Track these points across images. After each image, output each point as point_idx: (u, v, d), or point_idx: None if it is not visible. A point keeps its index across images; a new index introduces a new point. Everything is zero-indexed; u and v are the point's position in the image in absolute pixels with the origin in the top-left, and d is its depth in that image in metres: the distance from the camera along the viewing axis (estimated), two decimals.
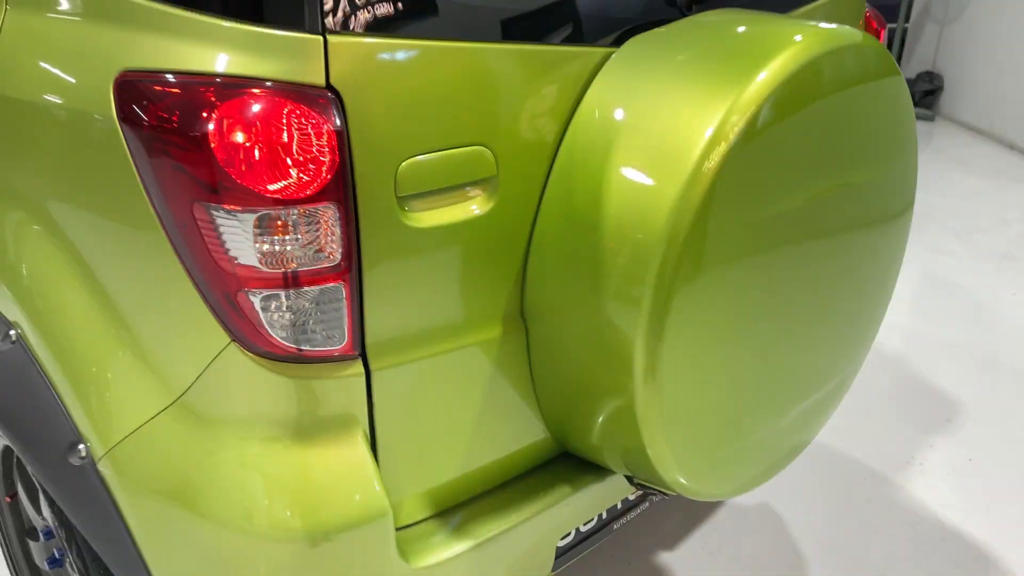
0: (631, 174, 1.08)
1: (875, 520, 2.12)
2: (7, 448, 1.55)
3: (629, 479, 1.37)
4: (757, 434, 1.35)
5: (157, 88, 0.98)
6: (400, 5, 1.00)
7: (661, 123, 1.08)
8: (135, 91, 1.00)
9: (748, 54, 1.11)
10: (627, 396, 1.14)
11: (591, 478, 1.38)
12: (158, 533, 1.13)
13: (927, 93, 5.50)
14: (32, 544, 1.63)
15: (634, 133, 1.10)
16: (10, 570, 1.71)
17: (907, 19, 5.60)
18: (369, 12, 0.98)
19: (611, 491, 1.44)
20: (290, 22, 0.95)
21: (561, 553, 1.46)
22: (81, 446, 1.15)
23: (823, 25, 1.20)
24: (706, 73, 1.09)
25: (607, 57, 1.17)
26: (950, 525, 2.10)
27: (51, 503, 1.39)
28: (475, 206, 1.11)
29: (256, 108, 0.93)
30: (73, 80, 1.09)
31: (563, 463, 1.41)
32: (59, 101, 1.11)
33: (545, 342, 1.22)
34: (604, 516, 1.52)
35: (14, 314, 1.25)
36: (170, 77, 0.98)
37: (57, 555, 1.49)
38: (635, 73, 1.14)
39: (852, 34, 1.20)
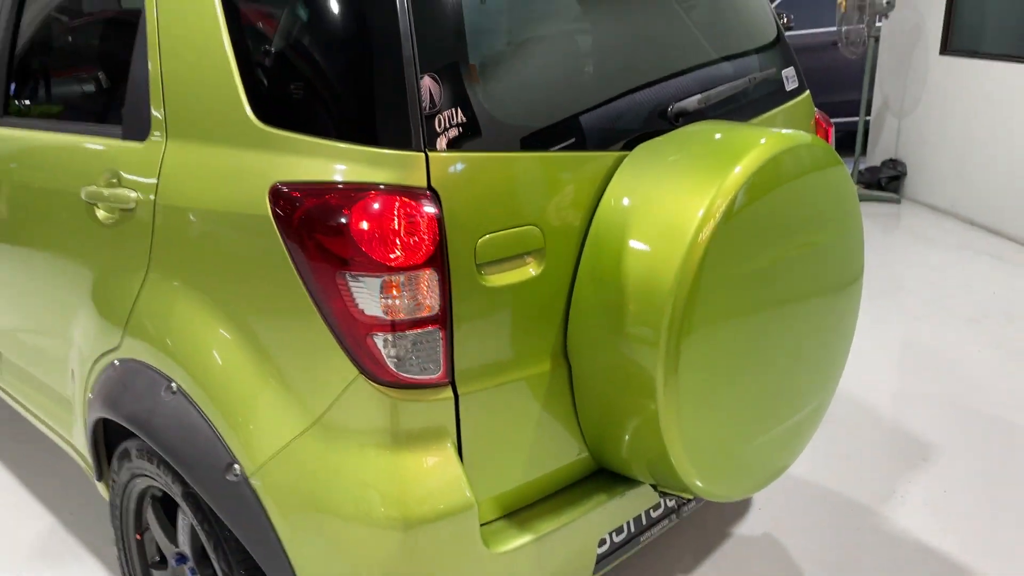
0: (644, 245, 1.48)
1: (863, 542, 2.44)
2: (142, 492, 1.89)
3: (654, 487, 1.72)
4: (754, 446, 1.70)
5: (304, 194, 1.38)
6: (471, 131, 1.41)
7: (665, 207, 1.48)
8: (286, 197, 1.40)
9: (725, 154, 1.52)
10: (651, 416, 1.51)
11: (622, 488, 1.72)
12: (298, 530, 1.47)
13: (892, 179, 6.01)
14: (156, 574, 1.94)
15: (645, 215, 1.50)
16: None
17: (868, 112, 6.15)
18: (453, 136, 1.38)
19: (639, 500, 1.78)
20: (400, 145, 1.35)
21: (599, 559, 1.79)
22: (236, 466, 1.50)
23: (781, 130, 1.62)
24: (696, 169, 1.50)
25: (621, 159, 1.58)
26: (929, 546, 2.42)
27: (191, 532, 1.73)
28: (531, 269, 1.50)
29: (379, 204, 1.33)
30: (233, 191, 1.49)
31: (599, 477, 1.75)
32: (221, 208, 1.51)
33: (583, 375, 1.59)
34: (632, 529, 1.85)
35: (172, 371, 1.62)
36: (314, 185, 1.38)
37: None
38: (643, 171, 1.55)
39: (803, 136, 1.62)
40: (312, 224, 1.36)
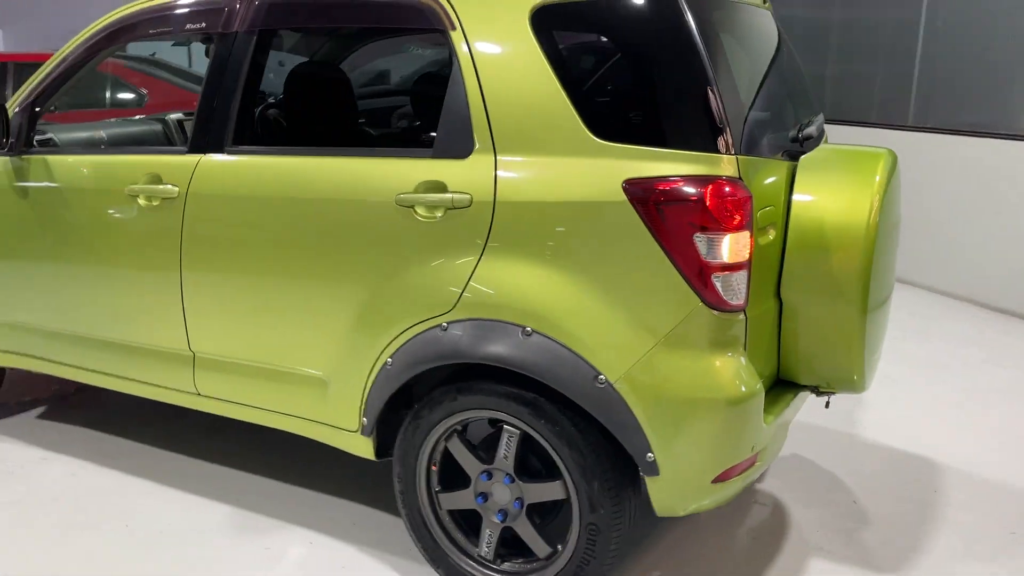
0: (838, 220, 2.30)
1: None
2: (446, 430, 2.41)
3: (815, 390, 2.53)
4: (877, 353, 2.57)
5: (659, 184, 2.09)
6: (747, 142, 2.18)
7: (850, 190, 2.32)
8: (643, 186, 2.10)
9: (873, 160, 2.40)
10: (849, 334, 2.32)
11: (797, 390, 2.52)
12: (653, 414, 2.12)
13: None
14: (446, 496, 2.47)
15: (834, 197, 2.33)
16: (413, 521, 2.51)
17: None
18: (747, 145, 2.15)
19: (802, 398, 2.59)
20: (718, 150, 2.10)
21: None
22: (600, 376, 2.14)
23: (880, 146, 2.54)
24: (862, 167, 2.37)
25: (790, 165, 2.40)
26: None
27: (517, 446, 2.31)
28: (771, 235, 2.29)
29: (726, 188, 2.07)
30: (582, 187, 2.15)
31: (782, 384, 2.54)
32: (568, 199, 2.16)
33: (792, 308, 2.38)
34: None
35: (523, 319, 2.21)
36: (665, 179, 2.09)
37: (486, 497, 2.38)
38: (821, 170, 2.39)
39: (889, 149, 2.54)
40: (672, 202, 2.07)
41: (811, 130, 2.60)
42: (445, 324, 2.33)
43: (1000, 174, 5.48)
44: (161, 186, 2.75)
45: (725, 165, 2.10)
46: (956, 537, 2.84)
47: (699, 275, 2.10)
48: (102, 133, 3.50)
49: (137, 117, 3.91)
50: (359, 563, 2.66)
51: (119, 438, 3.49)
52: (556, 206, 2.19)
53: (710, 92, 2.12)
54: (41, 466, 3.26)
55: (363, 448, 2.58)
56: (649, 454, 2.15)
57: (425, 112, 2.66)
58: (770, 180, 2.30)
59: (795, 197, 2.38)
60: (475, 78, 2.31)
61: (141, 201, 2.79)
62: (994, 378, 4.29)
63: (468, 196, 2.28)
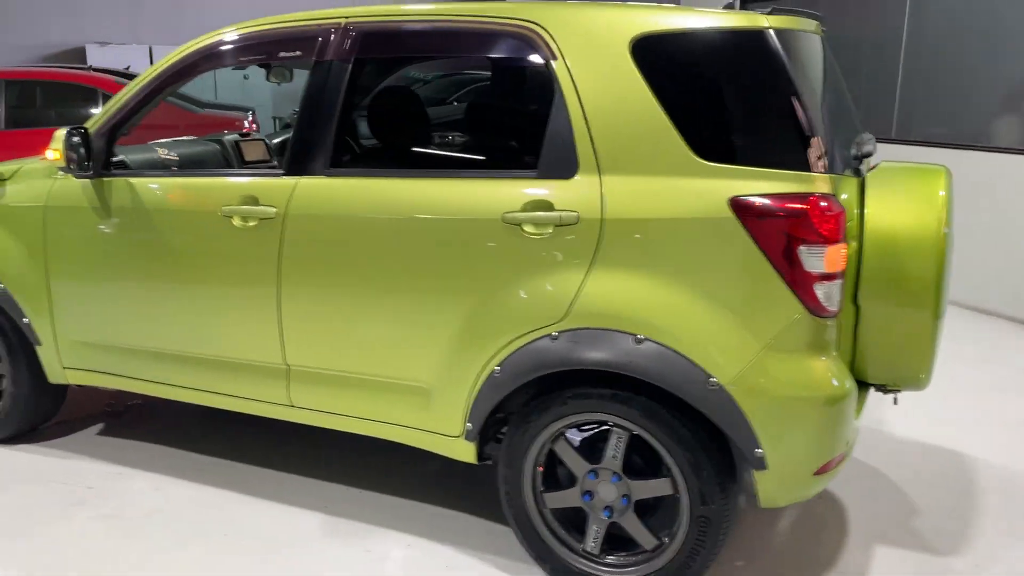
0: (910, 231, 2.52)
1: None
2: (554, 434, 2.57)
3: (881, 388, 2.75)
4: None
5: (765, 200, 2.28)
6: (830, 162, 2.39)
7: (919, 205, 2.53)
8: (748, 204, 2.29)
9: (936, 175, 2.62)
10: (920, 335, 2.53)
11: (867, 388, 2.73)
12: (760, 411, 2.31)
13: None
14: (550, 496, 2.62)
15: (905, 211, 2.54)
16: (519, 520, 2.66)
17: None
18: (829, 164, 2.36)
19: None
20: (813, 169, 2.31)
21: None
22: (712, 379, 2.32)
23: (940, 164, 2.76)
24: (927, 185, 2.58)
25: (860, 182, 2.61)
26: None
27: (626, 447, 2.48)
28: (853, 245, 2.50)
29: (825, 204, 2.27)
30: (688, 204, 2.34)
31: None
32: (675, 216, 2.35)
33: (868, 314, 2.58)
34: None
35: (635, 327, 2.38)
36: (770, 195, 2.29)
37: (591, 495, 2.54)
38: (887, 189, 2.60)
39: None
40: (778, 217, 2.27)
41: (868, 148, 2.83)
42: (555, 333, 2.49)
43: (979, 186, 5.83)
44: (259, 207, 2.86)
45: (820, 183, 2.31)
46: (1003, 521, 3.08)
47: (802, 284, 2.30)
48: (172, 155, 3.59)
49: (192, 138, 3.99)
50: (461, 562, 2.81)
51: (186, 451, 3.57)
52: (664, 222, 2.38)
53: (803, 115, 2.33)
54: (121, 481, 3.33)
55: (465, 453, 2.73)
56: (758, 450, 2.33)
57: (521, 134, 2.83)
58: (844, 196, 2.51)
59: (867, 211, 2.60)
60: (578, 104, 2.48)
61: (236, 222, 2.90)
62: (995, 375, 4.59)
63: (576, 214, 2.45)
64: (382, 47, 2.83)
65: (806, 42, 2.65)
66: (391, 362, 2.78)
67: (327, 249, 2.80)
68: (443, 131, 3.12)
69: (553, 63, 2.53)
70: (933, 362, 2.64)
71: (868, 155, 2.82)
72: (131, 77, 8.44)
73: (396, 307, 2.73)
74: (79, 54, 12.98)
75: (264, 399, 3.05)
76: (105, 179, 3.18)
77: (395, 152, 2.95)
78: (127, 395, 4.19)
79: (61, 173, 3.28)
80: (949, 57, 6.52)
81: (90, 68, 8.42)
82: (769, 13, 2.46)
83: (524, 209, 2.51)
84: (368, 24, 2.82)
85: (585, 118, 2.48)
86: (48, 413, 3.68)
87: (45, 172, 3.36)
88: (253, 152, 3.86)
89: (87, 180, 3.20)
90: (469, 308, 2.62)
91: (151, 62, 15.83)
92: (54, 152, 3.08)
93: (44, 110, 8.23)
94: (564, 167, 2.50)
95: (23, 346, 3.45)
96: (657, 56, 2.46)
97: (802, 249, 2.28)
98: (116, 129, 3.21)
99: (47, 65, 9.03)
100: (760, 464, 2.35)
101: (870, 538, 2.98)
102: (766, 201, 2.30)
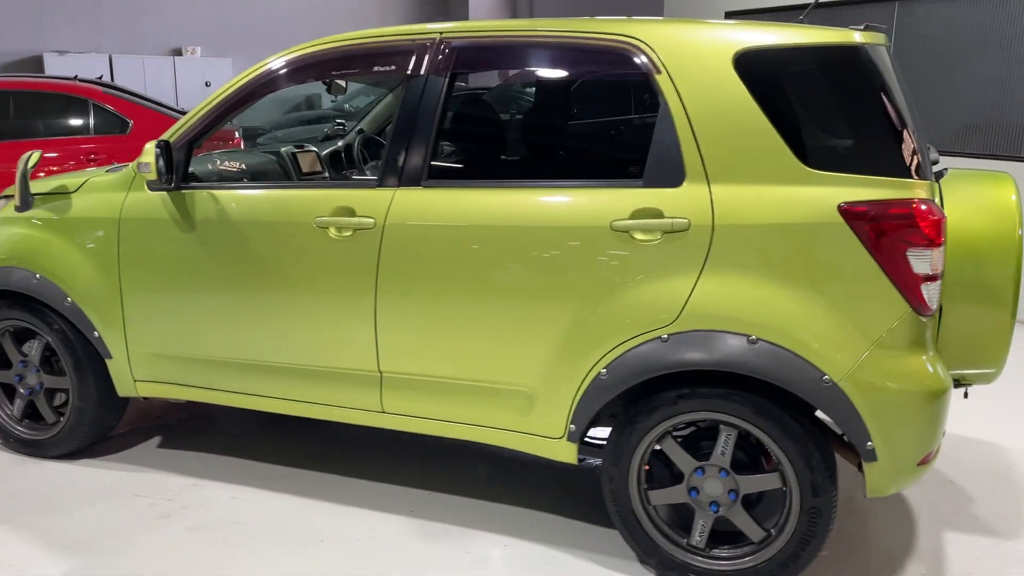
0: (991, 232, 2.69)
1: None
2: (660, 433, 2.67)
3: (956, 382, 2.91)
4: None
5: (874, 207, 2.42)
6: (919, 170, 2.54)
7: (990, 214, 2.70)
8: (858, 210, 2.43)
9: (1006, 181, 2.79)
10: (999, 329, 2.70)
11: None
12: (871, 404, 2.44)
13: None
14: (656, 493, 2.72)
15: (983, 214, 2.72)
16: (625, 518, 2.75)
17: None
18: (920, 174, 2.51)
19: None
20: (912, 176, 2.46)
21: None
22: (825, 376, 2.45)
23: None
24: (997, 194, 2.75)
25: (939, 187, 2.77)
26: None
27: (734, 444, 2.59)
28: None
29: (927, 208, 2.42)
30: (797, 210, 2.47)
31: None
32: (785, 222, 2.47)
33: (950, 310, 2.74)
34: None
35: (747, 329, 2.50)
36: (877, 202, 2.43)
37: (697, 492, 2.65)
38: (962, 194, 2.76)
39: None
40: (888, 223, 2.41)
41: (934, 155, 3.00)
42: (666, 336, 2.59)
43: None
44: (355, 218, 2.91)
45: (921, 189, 2.46)
46: None
47: (910, 285, 2.44)
48: (241, 166, 3.60)
49: (248, 151, 4.00)
50: (560, 559, 2.89)
51: (250, 461, 3.58)
52: (774, 228, 2.50)
53: (898, 125, 2.48)
54: (200, 492, 3.33)
55: (565, 454, 2.81)
56: (869, 443, 2.47)
57: (625, 145, 2.92)
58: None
59: (948, 216, 2.76)
60: (684, 116, 2.60)
61: (332, 232, 2.94)
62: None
63: (686, 221, 2.56)
64: (479, 62, 2.91)
65: (886, 56, 2.80)
66: (492, 367, 2.85)
67: (428, 259, 2.85)
68: (544, 142, 3.20)
69: (657, 77, 2.63)
70: (1006, 357, 2.81)
71: (935, 163, 2.99)
72: (109, 87, 8.29)
73: (500, 314, 2.80)
74: (36, 63, 12.72)
75: (355, 406, 3.09)
76: (184, 192, 3.19)
77: (493, 163, 3.02)
78: (176, 407, 4.17)
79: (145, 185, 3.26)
80: (933, 70, 6.82)
81: (75, 77, 8.26)
82: (863, 29, 2.61)
83: (633, 216, 2.61)
84: (464, 39, 2.90)
85: (692, 129, 2.59)
86: (109, 427, 3.65)
87: (117, 184, 3.35)
88: (308, 163, 3.88)
89: (164, 193, 3.21)
90: (576, 313, 2.71)
91: (111, 72, 15.60)
92: (139, 164, 3.07)
93: (25, 120, 8.06)
94: (671, 176, 2.61)
95: (90, 360, 3.43)
96: (760, 70, 2.58)
97: (911, 252, 2.42)
98: (195, 141, 3.22)
99: (27, 75, 8.81)
100: (871, 456, 2.48)
101: (937, 525, 3.15)
102: (876, 207, 2.43)
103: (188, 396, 3.37)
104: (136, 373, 3.39)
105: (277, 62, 3.12)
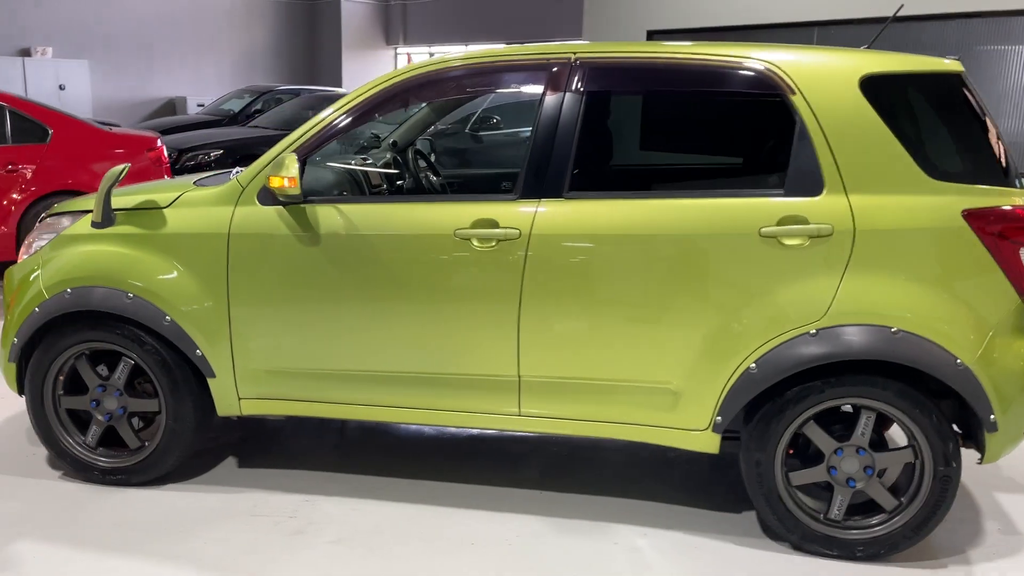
0: None
1: None
2: (805, 419, 2.95)
3: None
4: None
5: (993, 213, 2.81)
6: (1011, 183, 2.97)
7: None
8: (981, 215, 2.82)
9: None
10: None
11: None
12: (997, 384, 2.83)
13: None
14: (796, 474, 3.00)
15: None
16: (770, 499, 3.01)
17: None
18: (1014, 183, 2.94)
19: None
20: (1019, 186, 2.88)
21: None
22: (959, 360, 2.81)
23: None
24: None
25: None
26: None
27: (874, 425, 2.91)
28: None
29: None
30: (927, 217, 2.83)
31: None
32: (917, 226, 2.83)
33: None
34: None
35: (886, 321, 2.83)
36: (995, 209, 2.82)
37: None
38: None
39: None
40: (1007, 225, 2.81)
41: None
42: (814, 331, 2.88)
43: None
44: (500, 229, 3.02)
45: (1019, 196, 2.88)
46: None
47: (1020, 278, 2.85)
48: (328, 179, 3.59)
49: (327, 165, 3.96)
50: (701, 544, 3.11)
51: (345, 474, 3.58)
52: (907, 232, 2.85)
53: (995, 140, 2.89)
54: (317, 506, 3.30)
55: (709, 444, 3.04)
56: (992, 415, 2.85)
57: (762, 158, 3.19)
58: None
59: None
60: (820, 133, 2.90)
61: (476, 243, 3.04)
62: None
63: (830, 226, 2.86)
64: (613, 81, 3.10)
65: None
66: (638, 368, 3.04)
67: (575, 267, 3.01)
68: (681, 155, 3.41)
69: (792, 97, 2.92)
70: None
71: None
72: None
73: (647, 317, 3.00)
74: None
75: (489, 411, 3.19)
76: (303, 206, 3.17)
77: (630, 175, 3.20)
78: (232, 428, 4.05)
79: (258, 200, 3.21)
80: None
81: None
82: (957, 59, 3.01)
83: (780, 223, 2.88)
84: (597, 59, 3.08)
85: (828, 145, 2.90)
86: (196, 449, 3.53)
87: (220, 199, 3.27)
88: (375, 177, 3.91)
89: (280, 208, 3.18)
90: (725, 313, 2.95)
91: (24, 76, 14.52)
92: (284, 178, 3.01)
93: None
94: (811, 186, 2.90)
95: (186, 380, 3.33)
96: (883, 92, 2.93)
97: (1022, 251, 2.83)
98: (310, 154, 3.21)
99: None
100: (993, 427, 2.87)
101: (997, 487, 3.61)
102: (995, 212, 2.83)
103: (296, 411, 3.33)
104: (242, 390, 3.32)
105: (400, 80, 3.18)
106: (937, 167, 2.90)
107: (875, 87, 2.92)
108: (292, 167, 3.01)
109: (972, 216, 2.83)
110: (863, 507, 3.05)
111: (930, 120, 3.00)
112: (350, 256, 3.16)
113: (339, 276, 3.17)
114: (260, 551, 3.00)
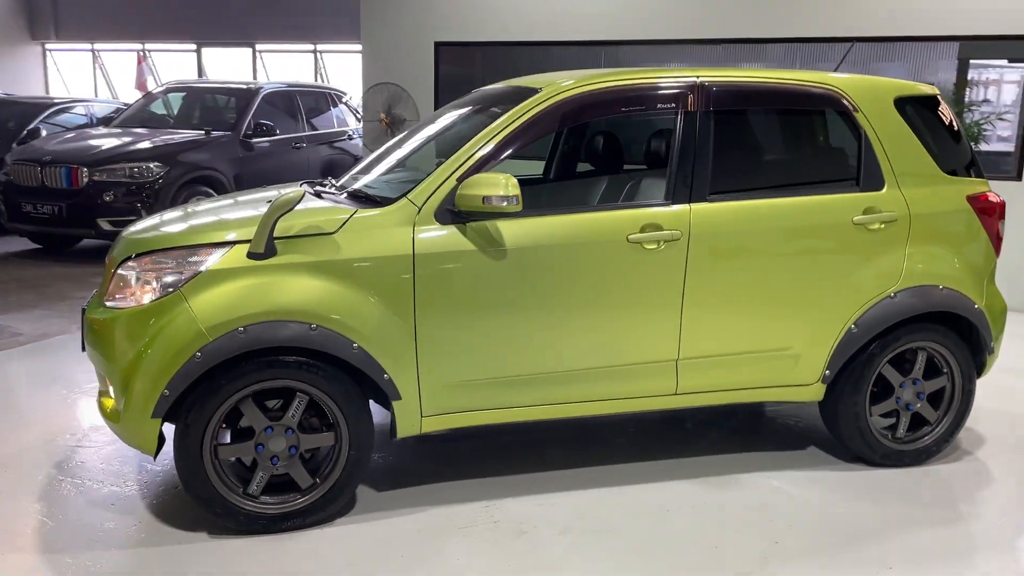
0: None
1: None
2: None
3: None
4: None
5: (982, 197, 3.97)
6: (981, 175, 4.18)
7: None
8: (975, 199, 3.96)
9: None
10: None
11: None
12: (990, 321, 3.96)
13: None
14: (875, 406, 3.88)
15: None
16: (862, 430, 3.84)
17: None
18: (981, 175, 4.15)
19: None
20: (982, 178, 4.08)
21: None
22: (976, 305, 3.89)
23: None
24: None
25: None
26: None
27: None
28: None
29: (998, 196, 4.04)
30: (949, 201, 3.90)
31: None
32: (944, 209, 3.89)
33: None
34: None
35: (943, 281, 3.82)
36: (984, 193, 3.98)
37: None
38: None
39: None
40: (991, 206, 3.97)
41: None
42: (893, 293, 3.79)
43: None
44: (665, 231, 3.48)
45: (986, 185, 4.07)
46: None
47: (998, 241, 4.03)
48: None
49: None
50: (823, 477, 3.85)
51: (490, 478, 3.72)
52: (939, 214, 3.89)
53: (969, 143, 4.09)
54: (503, 509, 3.43)
55: (816, 393, 3.82)
56: (992, 343, 3.99)
57: (841, 162, 4.01)
58: None
59: None
60: (879, 142, 3.82)
61: (649, 246, 3.46)
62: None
63: (894, 214, 3.79)
64: (733, 100, 3.71)
65: None
66: (775, 337, 3.71)
67: (728, 258, 3.59)
68: (779, 162, 4.06)
69: (856, 114, 3.80)
70: None
71: None
72: None
73: (784, 293, 3.68)
74: None
75: (653, 393, 3.62)
76: (470, 224, 3.31)
77: (750, 179, 3.81)
78: None
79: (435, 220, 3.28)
80: None
81: None
82: (931, 84, 4.13)
83: (867, 213, 3.74)
84: (718, 82, 3.67)
85: (884, 150, 3.82)
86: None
87: (396, 220, 3.25)
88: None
89: (452, 228, 3.29)
90: (834, 286, 3.73)
91: None
92: (505, 197, 3.09)
93: None
94: (877, 183, 3.81)
95: (366, 407, 3.26)
96: (908, 109, 3.94)
97: (1000, 223, 4.01)
98: (465, 176, 3.33)
99: None
100: (991, 351, 4.01)
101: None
102: (984, 196, 3.97)
103: (476, 421, 3.43)
104: (426, 408, 3.33)
105: (554, 102, 3.47)
106: (948, 165, 3.96)
107: (901, 106, 3.91)
108: (512, 188, 3.15)
109: (971, 199, 3.93)
110: (915, 422, 4.03)
111: (929, 129, 4.05)
112: (530, 266, 3.37)
113: (520, 285, 3.37)
114: (513, 558, 3.11)
